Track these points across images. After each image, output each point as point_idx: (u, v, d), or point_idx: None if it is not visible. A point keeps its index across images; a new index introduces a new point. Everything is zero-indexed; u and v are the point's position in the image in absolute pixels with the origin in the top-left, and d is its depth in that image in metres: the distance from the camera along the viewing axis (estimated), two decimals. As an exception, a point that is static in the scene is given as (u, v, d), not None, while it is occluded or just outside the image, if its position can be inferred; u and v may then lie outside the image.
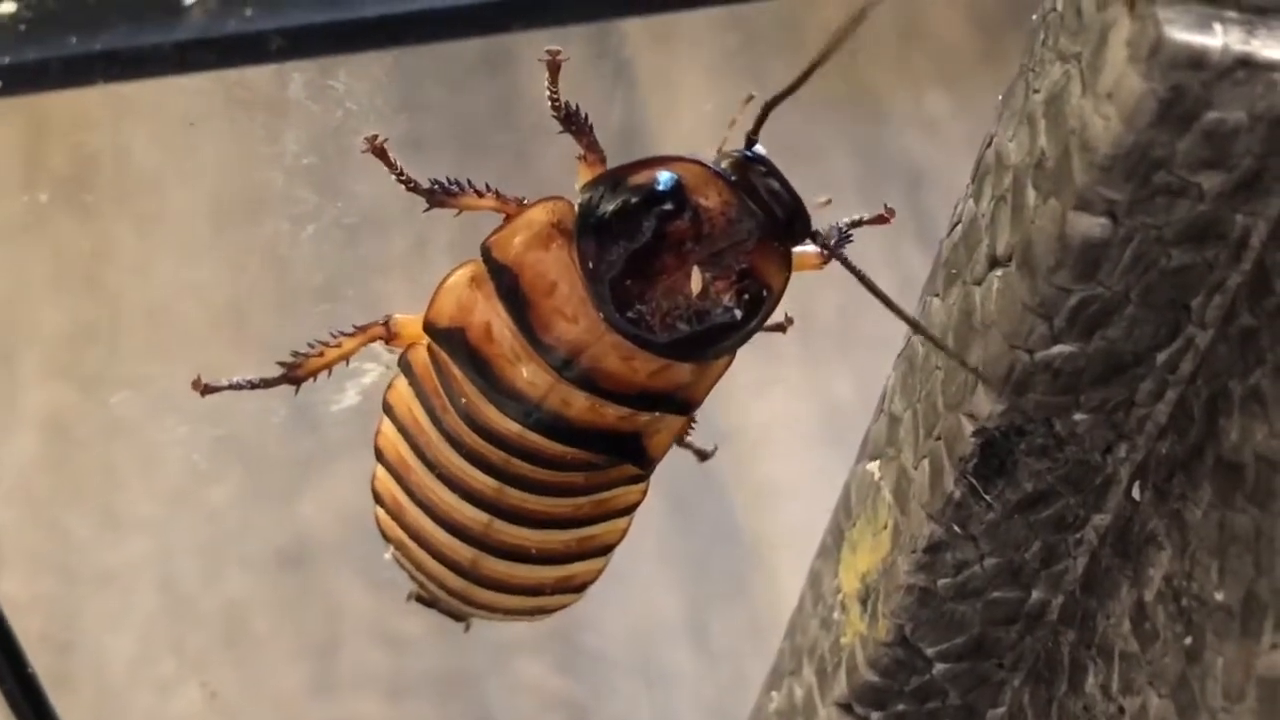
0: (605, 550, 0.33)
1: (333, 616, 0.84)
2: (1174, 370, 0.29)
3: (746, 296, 0.29)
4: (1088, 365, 0.29)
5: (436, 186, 0.32)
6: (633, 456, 0.31)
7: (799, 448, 0.84)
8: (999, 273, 0.30)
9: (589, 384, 0.30)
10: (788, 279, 0.30)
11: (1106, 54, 0.26)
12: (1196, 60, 0.25)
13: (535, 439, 0.31)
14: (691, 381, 0.30)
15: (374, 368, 0.32)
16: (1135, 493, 0.31)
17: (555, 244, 0.30)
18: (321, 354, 0.33)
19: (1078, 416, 0.30)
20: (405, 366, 0.32)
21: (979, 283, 0.30)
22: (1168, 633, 0.29)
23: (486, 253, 0.30)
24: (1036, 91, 0.29)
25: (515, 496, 0.31)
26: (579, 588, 0.34)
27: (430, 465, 0.32)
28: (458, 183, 0.32)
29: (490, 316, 0.30)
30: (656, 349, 0.29)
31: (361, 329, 0.32)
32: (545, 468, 0.31)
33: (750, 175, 0.29)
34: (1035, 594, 0.33)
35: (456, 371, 0.31)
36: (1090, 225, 0.27)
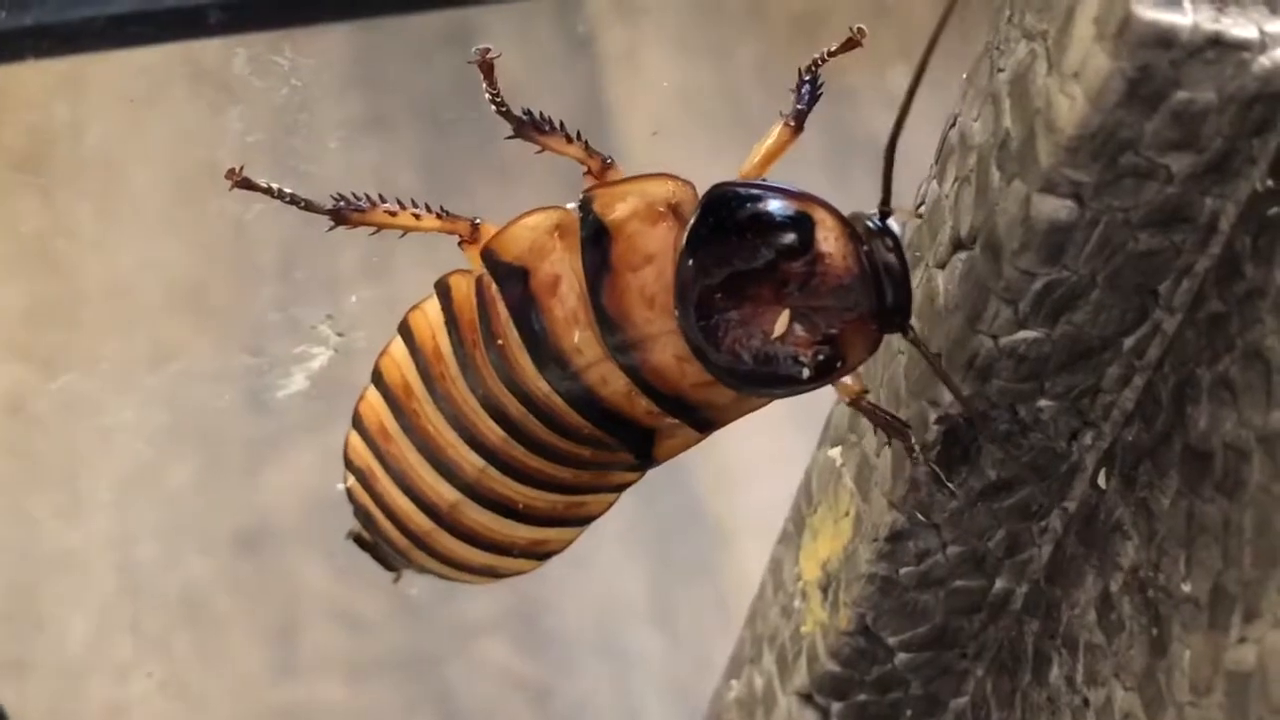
0: (587, 520, 0.32)
1: (292, 599, 0.83)
2: (1141, 356, 0.29)
3: (821, 359, 0.27)
4: (1053, 351, 0.28)
5: (526, 117, 0.31)
6: (640, 451, 0.30)
7: (764, 430, 0.84)
8: (962, 256, 0.29)
9: (634, 371, 0.29)
10: (864, 360, 0.29)
11: (1073, 32, 0.25)
12: (1165, 39, 0.24)
13: (560, 405, 0.29)
14: (726, 406, 0.29)
15: (322, 352, 0.31)
16: (1101, 481, 0.30)
17: (664, 224, 0.28)
18: (394, 214, 0.31)
19: (1043, 403, 0.29)
20: (443, 289, 0.30)
21: (942, 266, 0.30)
22: (1134, 624, 0.29)
23: (587, 204, 0.29)
24: (1001, 70, 0.28)
25: (519, 451, 0.30)
26: (544, 555, 0.32)
27: (438, 398, 0.30)
28: (549, 121, 0.30)
29: (563, 270, 0.29)
30: (713, 367, 0.28)
31: (449, 216, 0.31)
32: (557, 433, 0.30)
33: (877, 248, 0.28)
34: (999, 583, 0.32)
35: (502, 311, 0.29)
36: (1056, 208, 0.27)
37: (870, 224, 0.28)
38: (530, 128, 0.31)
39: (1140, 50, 0.24)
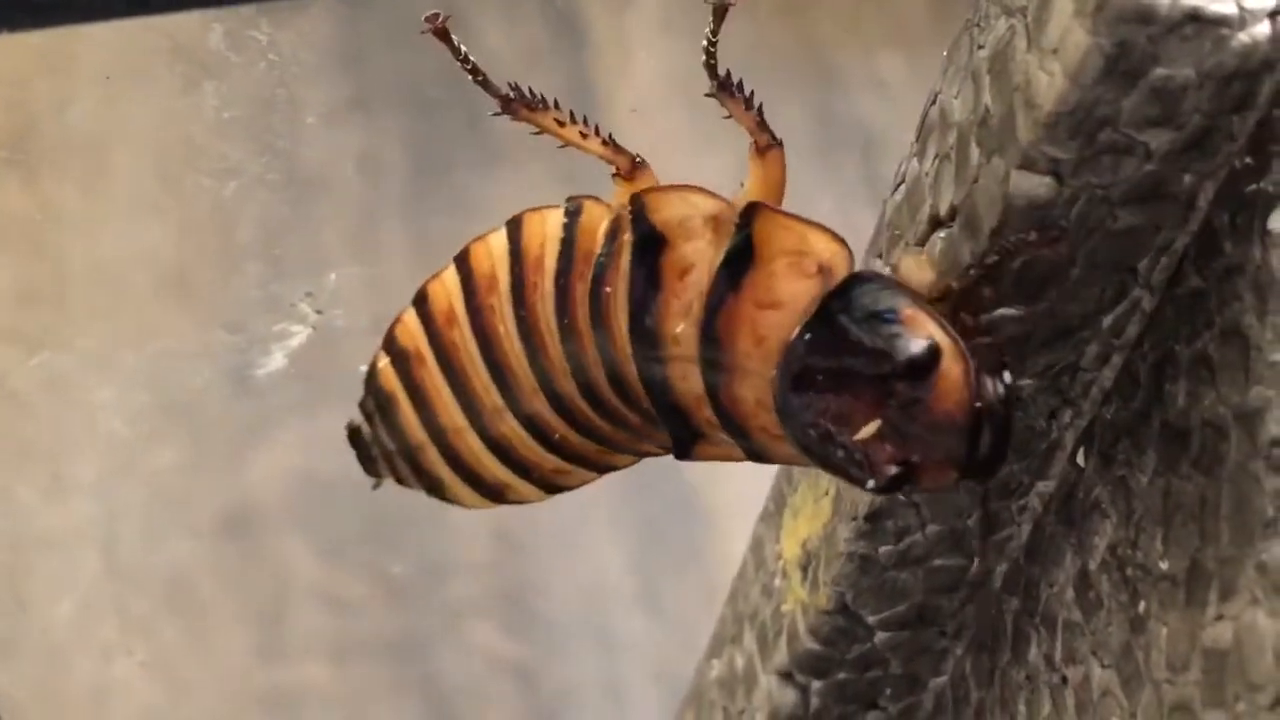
0: (608, 469, 0.32)
1: (278, 582, 0.83)
2: (1120, 334, 0.29)
3: (892, 477, 0.27)
4: (1032, 329, 0.28)
5: (514, 94, 0.30)
6: (683, 446, 0.30)
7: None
8: (942, 233, 0.29)
9: (714, 389, 0.28)
10: (928, 493, 0.29)
11: (1052, 7, 0.25)
12: (1144, 15, 0.24)
13: (632, 374, 0.29)
14: (783, 454, 0.29)
15: (301, 330, 0.31)
16: (1080, 459, 0.30)
17: (807, 281, 0.28)
18: (563, 124, 0.30)
19: (1022, 381, 0.29)
20: (573, 211, 0.29)
21: (921, 244, 0.30)
22: (1112, 602, 0.29)
23: (746, 217, 0.28)
24: (981, 47, 0.28)
25: (573, 390, 0.30)
26: (557, 488, 0.32)
27: (521, 307, 0.30)
28: (542, 99, 0.29)
29: (699, 262, 0.28)
30: (789, 433, 0.28)
31: (615, 145, 0.30)
32: (616, 392, 0.29)
33: (990, 406, 0.27)
34: (978, 562, 0.32)
35: (624, 264, 0.29)
36: (1034, 184, 0.27)
37: (994, 381, 0.27)
38: (520, 105, 0.30)
39: (1119, 26, 0.24)
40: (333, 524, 0.82)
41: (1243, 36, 0.25)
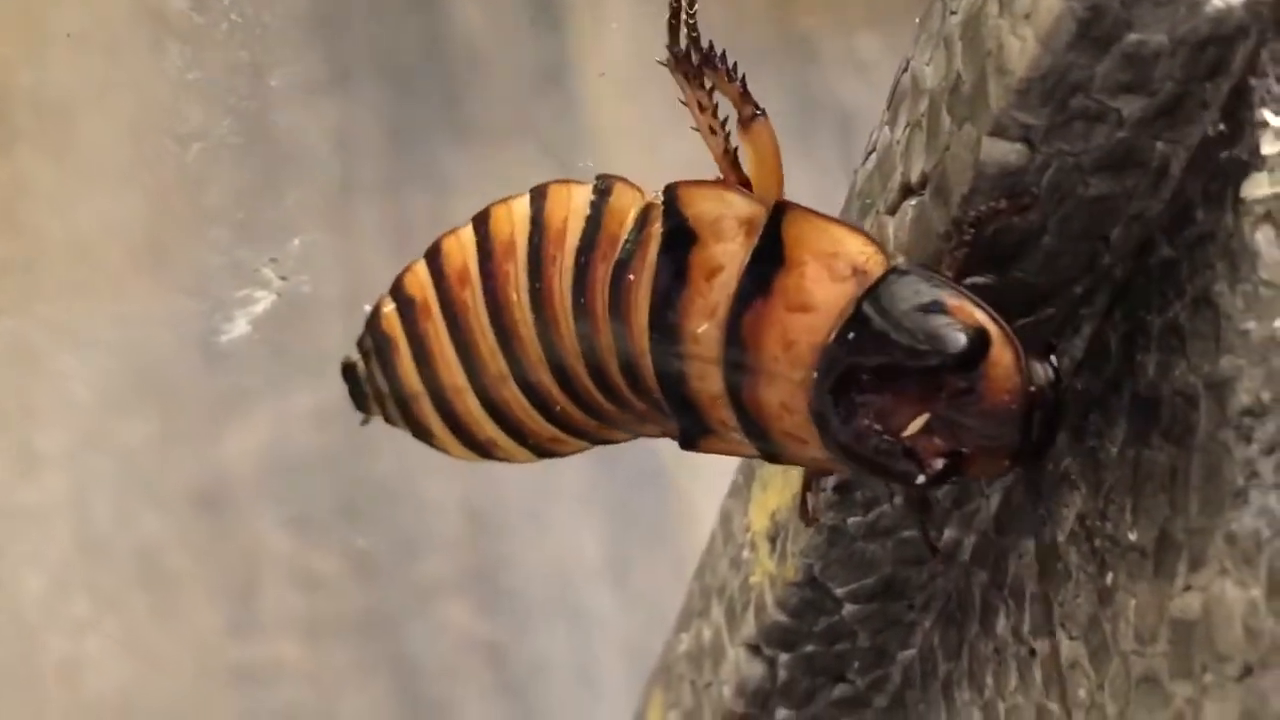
0: (604, 443, 0.31)
1: (249, 558, 0.83)
2: (1091, 304, 0.28)
3: (942, 470, 0.26)
4: (1003, 298, 0.28)
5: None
6: (689, 439, 0.29)
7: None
8: (913, 201, 0.29)
9: (735, 391, 0.28)
10: (976, 482, 0.28)
11: (1025, -28, 0.25)
12: (1117, -22, 0.24)
13: (648, 365, 0.28)
14: (800, 456, 0.28)
15: (265, 295, 0.31)
16: (1050, 430, 0.30)
17: (842, 285, 0.27)
18: (705, 109, 0.29)
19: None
20: (603, 190, 0.29)
21: (892, 212, 0.29)
22: (1080, 574, 0.29)
23: (776, 218, 0.28)
24: (954, 13, 0.28)
25: (583, 369, 0.29)
26: (549, 454, 0.32)
27: (536, 278, 0.29)
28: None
29: (728, 263, 0.28)
30: (831, 440, 0.27)
31: (736, 159, 0.29)
32: (627, 378, 0.29)
33: (1042, 389, 0.26)
34: (947, 533, 0.32)
35: (651, 254, 0.28)
36: (1006, 151, 0.26)
37: (1043, 364, 0.27)
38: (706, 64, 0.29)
39: (1092, -10, 0.24)
40: (304, 500, 0.82)
41: (1216, 2, 0.24)
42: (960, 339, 0.26)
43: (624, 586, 0.83)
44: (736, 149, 0.29)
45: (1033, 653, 0.30)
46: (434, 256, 0.31)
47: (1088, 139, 0.26)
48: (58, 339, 0.65)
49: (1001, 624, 0.31)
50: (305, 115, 0.87)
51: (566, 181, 0.30)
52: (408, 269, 0.31)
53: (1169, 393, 0.26)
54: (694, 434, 0.29)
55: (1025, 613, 0.30)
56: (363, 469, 0.85)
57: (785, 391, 0.27)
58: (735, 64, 0.29)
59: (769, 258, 0.27)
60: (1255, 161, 0.25)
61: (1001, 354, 0.26)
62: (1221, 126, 0.26)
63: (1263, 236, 0.25)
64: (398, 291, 0.31)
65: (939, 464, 0.26)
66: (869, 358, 0.26)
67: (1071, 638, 0.29)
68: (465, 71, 0.93)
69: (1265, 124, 0.25)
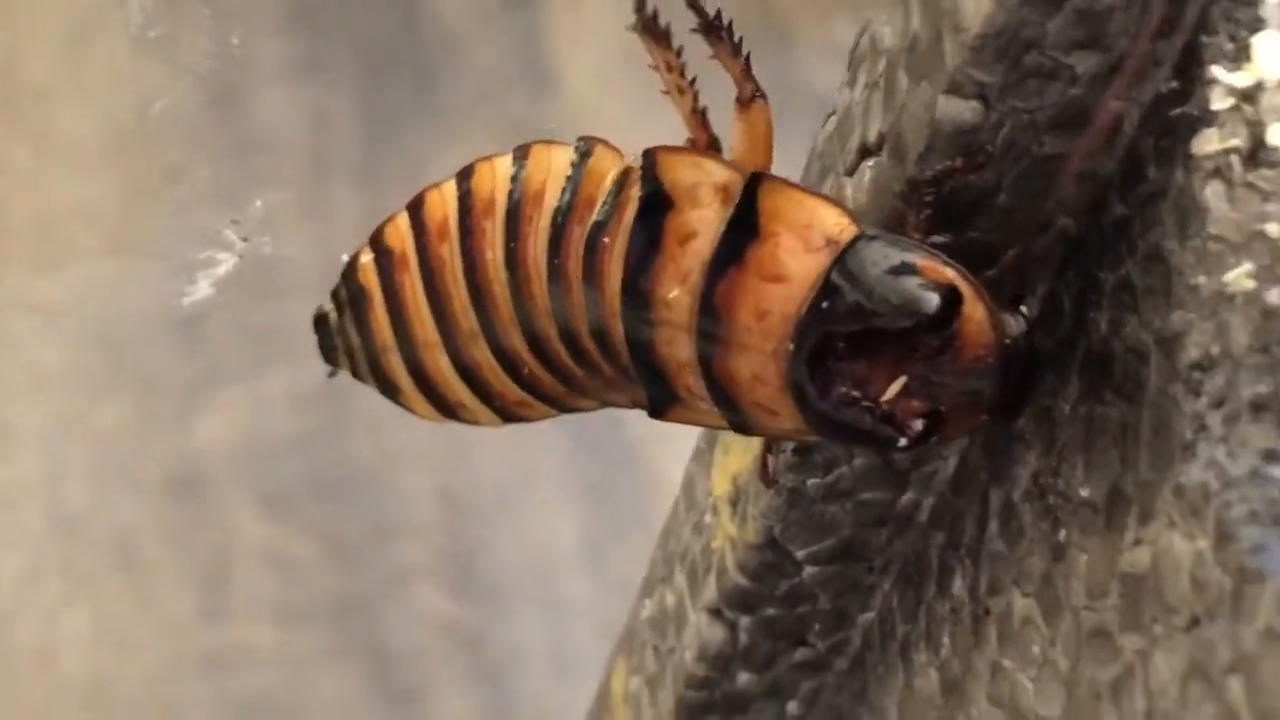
0: (571, 410, 0.31)
1: (223, 542, 0.83)
2: (1046, 262, 0.29)
3: (922, 430, 0.26)
4: (958, 256, 0.28)
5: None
6: (658, 406, 0.29)
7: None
8: (870, 162, 0.29)
9: (706, 360, 0.28)
10: (958, 441, 0.28)
11: (978, -72, 0.25)
12: (1069, -66, 0.24)
13: (618, 330, 0.28)
14: (769, 426, 0.28)
15: (227, 258, 0.31)
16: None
17: (815, 255, 0.27)
18: (671, 67, 0.29)
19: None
20: (583, 151, 0.29)
21: (851, 174, 0.30)
22: (1034, 532, 0.29)
23: (751, 189, 0.28)
24: (911, -27, 0.28)
25: (554, 333, 0.29)
26: (516, 419, 0.31)
27: (514, 239, 0.29)
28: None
29: (702, 230, 0.28)
30: (809, 411, 0.27)
31: (704, 118, 0.29)
32: (597, 344, 0.29)
33: (1015, 341, 0.27)
34: (905, 495, 0.32)
35: (626, 219, 0.28)
36: (961, 109, 0.26)
37: (1015, 317, 0.27)
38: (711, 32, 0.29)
39: (1044, -55, 0.24)
40: (278, 485, 0.82)
41: (1167, -41, 0.25)
42: (932, 298, 0.26)
43: (599, 572, 0.83)
44: (705, 109, 0.29)
45: (987, 612, 0.30)
46: (416, 208, 0.30)
47: (1042, 96, 0.26)
48: (14, 298, 0.64)
49: (958, 584, 0.31)
50: (280, 98, 0.87)
51: (549, 142, 0.30)
52: (389, 219, 0.31)
53: (1120, 349, 0.27)
54: (662, 402, 0.29)
55: (981, 573, 0.30)
56: (337, 454, 0.85)
57: (757, 362, 0.27)
58: (741, 39, 0.29)
59: (744, 228, 0.27)
60: (1206, 118, 0.25)
61: (974, 309, 0.26)
62: (1173, 84, 0.26)
63: (1212, 192, 0.25)
64: (377, 242, 0.31)
65: (919, 425, 0.26)
66: (843, 325, 0.26)
67: (1025, 595, 0.29)
68: (440, 55, 0.94)
69: (1216, 81, 0.25)
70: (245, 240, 0.30)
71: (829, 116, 0.31)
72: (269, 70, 0.86)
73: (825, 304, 0.27)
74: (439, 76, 0.93)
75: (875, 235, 0.27)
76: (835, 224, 0.27)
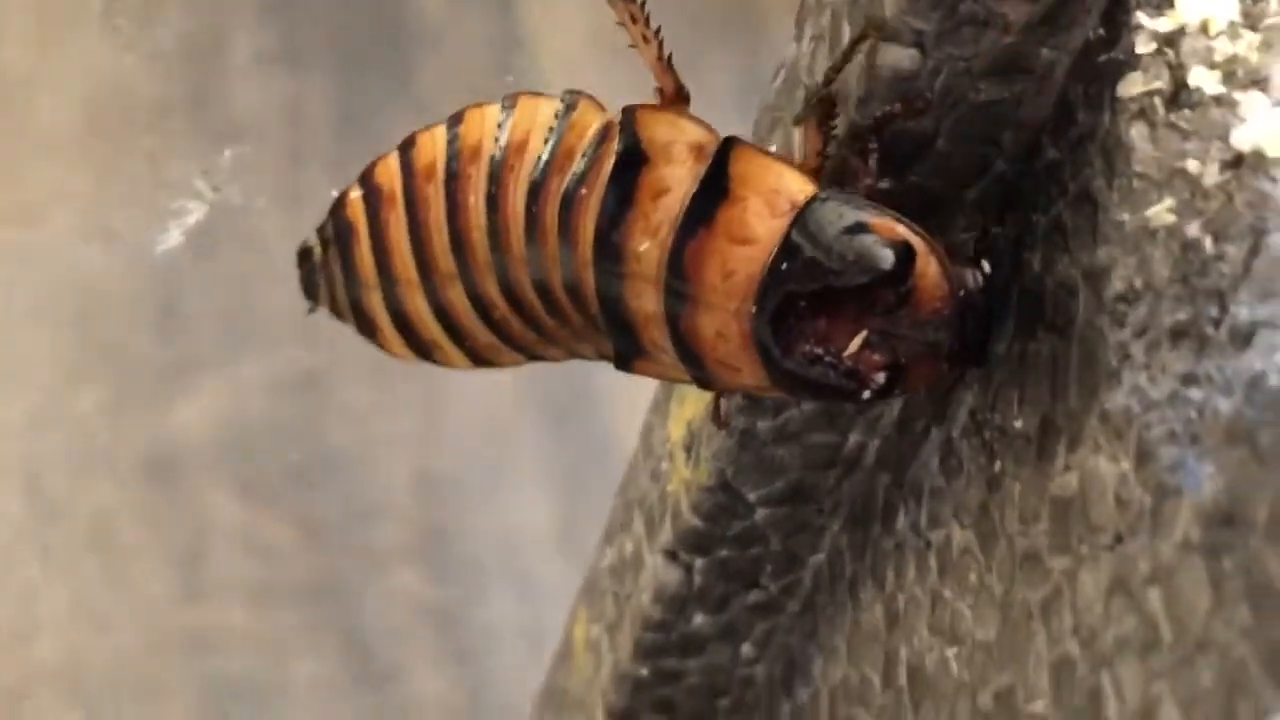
0: (541, 359, 0.32)
1: (201, 525, 0.84)
2: (984, 208, 0.30)
3: (885, 382, 0.28)
4: (899, 203, 0.29)
5: None
6: (623, 359, 0.30)
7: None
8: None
9: (672, 318, 0.29)
10: (924, 391, 0.29)
11: (913, -120, 0.26)
12: (997, -117, 0.25)
13: (589, 280, 0.29)
14: (730, 381, 0.29)
15: (198, 207, 0.31)
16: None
17: (781, 218, 0.28)
18: (635, 18, 0.30)
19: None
20: (569, 105, 0.30)
21: (798, 123, 0.31)
22: (972, 466, 0.30)
23: (724, 151, 0.29)
24: (855, -74, 0.29)
25: (526, 278, 0.30)
26: (486, 363, 0.32)
27: (495, 185, 0.30)
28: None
29: (675, 187, 0.29)
30: (774, 369, 0.28)
31: (671, 66, 0.30)
32: (568, 293, 0.30)
33: (970, 290, 0.28)
34: (852, 438, 0.33)
35: (606, 170, 0.29)
36: (899, 57, 0.28)
37: (974, 272, 0.28)
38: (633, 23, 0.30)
39: (974, -106, 0.25)
40: (254, 468, 0.83)
41: (1094, -92, 0.26)
42: (887, 254, 0.27)
43: (574, 554, 0.84)
44: (670, 55, 0.30)
45: (929, 544, 0.31)
46: (407, 148, 0.31)
47: (977, 44, 0.27)
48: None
49: (901, 520, 0.32)
50: (257, 89, 0.88)
51: (537, 94, 0.31)
52: (380, 158, 0.32)
53: (1052, 286, 0.28)
54: (628, 355, 0.30)
55: (923, 508, 0.32)
56: (313, 437, 0.86)
57: (721, 320, 0.28)
58: (659, 29, 0.30)
59: (714, 190, 0.28)
60: (1131, 62, 0.27)
61: (927, 264, 0.27)
62: (1101, 30, 0.27)
63: (1137, 132, 0.26)
64: (366, 179, 0.32)
65: (880, 378, 0.28)
66: (803, 284, 0.28)
67: (963, 527, 0.30)
68: (417, 47, 0.95)
69: (1140, 26, 0.27)
70: (216, 190, 0.30)
71: (779, 70, 0.32)
72: (244, 60, 0.87)
73: (785, 264, 0.28)
74: (414, 68, 0.94)
75: (830, 196, 0.28)
76: (800, 190, 0.28)
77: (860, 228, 0.28)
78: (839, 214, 0.28)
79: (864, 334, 0.27)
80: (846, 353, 0.27)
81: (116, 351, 0.87)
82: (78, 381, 0.86)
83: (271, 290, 0.90)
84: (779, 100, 0.32)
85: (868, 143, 0.29)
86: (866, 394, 0.28)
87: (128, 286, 0.84)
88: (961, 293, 0.28)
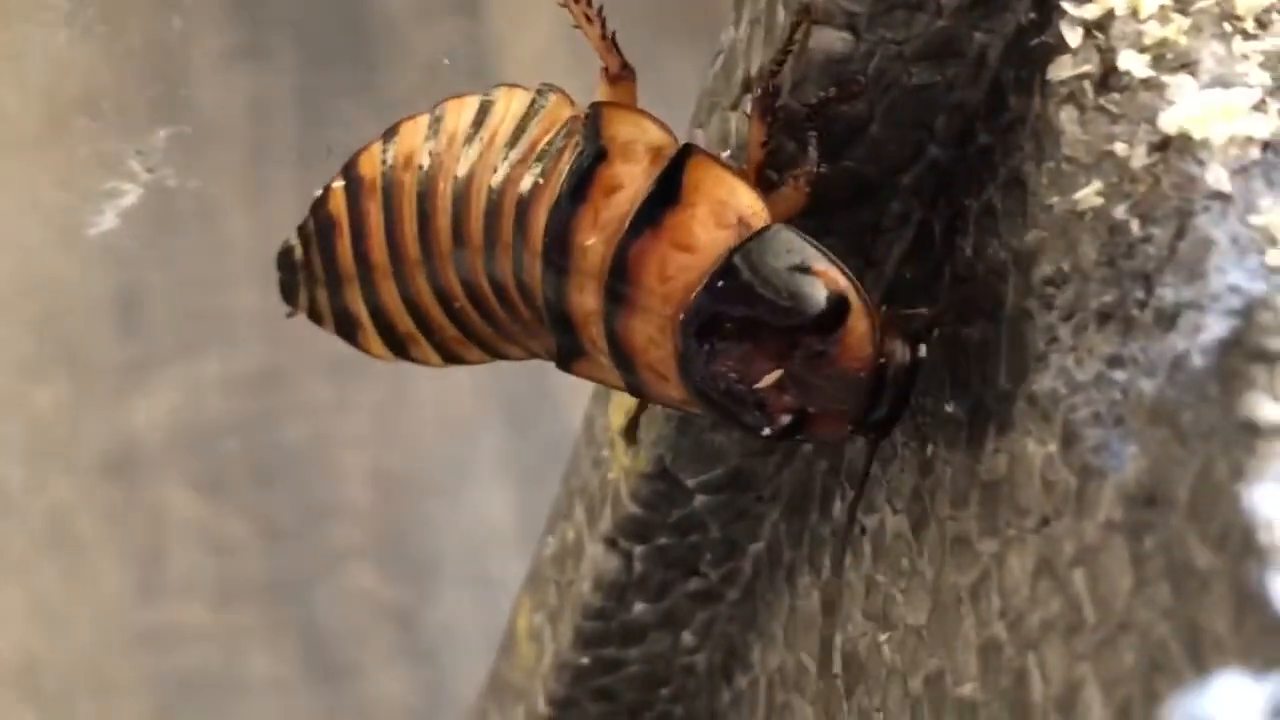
0: (502, 357, 0.32)
1: (159, 522, 0.84)
2: (918, 193, 0.30)
3: (786, 426, 0.28)
4: (834, 187, 0.29)
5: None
6: (563, 358, 0.30)
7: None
8: (751, 95, 0.30)
9: (609, 316, 0.29)
10: (821, 445, 0.29)
11: None
12: None
13: (538, 271, 0.29)
14: (659, 393, 0.29)
15: (132, 189, 0.31)
16: (882, 318, 0.31)
17: (726, 231, 0.28)
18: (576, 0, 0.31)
19: (827, 241, 0.30)
20: (542, 98, 0.30)
21: (734, 107, 0.31)
22: (905, 450, 0.30)
23: (681, 156, 0.29)
24: (791, -90, 0.29)
25: (481, 265, 0.30)
26: (455, 359, 0.32)
27: (466, 169, 0.30)
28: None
29: (629, 185, 0.29)
30: (688, 379, 0.28)
31: (614, 44, 0.30)
32: (516, 284, 0.30)
33: (894, 364, 0.28)
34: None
35: (566, 161, 0.29)
36: (832, 39, 0.28)
37: (904, 344, 0.28)
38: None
39: (904, -124, 0.25)
40: (213, 466, 0.83)
41: (1024, -108, 0.26)
42: (821, 301, 0.27)
43: (533, 554, 0.84)
44: (614, 33, 0.30)
45: (863, 530, 0.31)
46: (390, 136, 0.32)
47: (909, 27, 0.27)
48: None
49: (837, 507, 0.32)
50: (221, 86, 0.88)
51: (515, 86, 0.31)
52: (364, 148, 0.32)
53: (982, 270, 0.28)
54: (569, 353, 0.30)
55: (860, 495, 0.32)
56: (272, 436, 0.85)
57: (654, 325, 0.28)
58: (601, 8, 0.30)
59: (666, 194, 0.29)
60: (1061, 46, 0.27)
61: (858, 323, 0.27)
62: (1032, 15, 0.27)
63: (1066, 115, 0.26)
64: (350, 169, 0.32)
65: (785, 420, 0.28)
66: (734, 307, 0.28)
67: (896, 511, 0.30)
68: (381, 45, 0.94)
69: (1069, 11, 0.27)
70: (150, 172, 0.30)
71: (717, 54, 0.32)
72: (208, 56, 0.87)
73: (721, 282, 0.28)
74: (378, 66, 0.94)
75: (784, 229, 0.28)
76: (750, 207, 0.28)
77: (804, 269, 0.28)
78: (787, 249, 0.28)
79: (779, 373, 0.27)
80: (759, 385, 0.28)
81: (74, 347, 0.87)
82: (35, 378, 0.86)
83: (233, 288, 0.89)
84: (716, 85, 0.32)
85: (806, 131, 0.29)
86: (767, 431, 0.28)
87: (83, 278, 0.84)
88: (884, 362, 0.28)
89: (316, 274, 0.32)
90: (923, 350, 0.28)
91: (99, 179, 0.32)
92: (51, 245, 0.72)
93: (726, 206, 0.28)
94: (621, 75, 0.30)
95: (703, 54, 0.31)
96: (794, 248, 0.28)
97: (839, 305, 0.27)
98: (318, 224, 0.32)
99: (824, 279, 0.27)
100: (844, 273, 0.27)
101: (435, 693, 0.83)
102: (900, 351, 0.28)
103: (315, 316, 0.33)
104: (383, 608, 0.85)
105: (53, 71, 0.70)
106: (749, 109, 0.30)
